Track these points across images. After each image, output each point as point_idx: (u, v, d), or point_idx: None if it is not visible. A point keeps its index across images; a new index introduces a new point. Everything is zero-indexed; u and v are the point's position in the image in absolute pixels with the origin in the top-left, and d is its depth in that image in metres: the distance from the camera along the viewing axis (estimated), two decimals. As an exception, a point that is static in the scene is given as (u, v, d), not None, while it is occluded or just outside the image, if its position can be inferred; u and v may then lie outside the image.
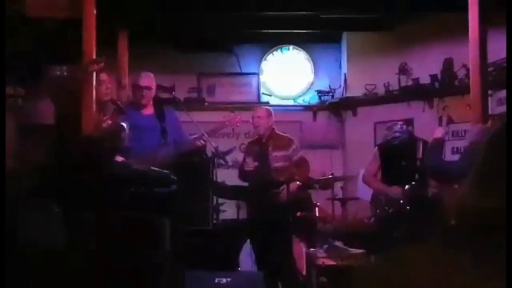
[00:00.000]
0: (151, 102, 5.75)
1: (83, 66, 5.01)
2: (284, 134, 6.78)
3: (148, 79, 5.71)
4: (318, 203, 7.11)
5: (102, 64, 5.06)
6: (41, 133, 4.89)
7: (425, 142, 6.21)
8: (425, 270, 0.96)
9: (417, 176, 5.94)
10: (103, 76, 5.38)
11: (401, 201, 5.99)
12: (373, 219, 6.44)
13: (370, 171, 6.43)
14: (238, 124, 6.22)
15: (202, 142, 5.79)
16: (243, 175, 6.65)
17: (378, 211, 6.27)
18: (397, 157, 6.15)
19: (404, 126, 6.38)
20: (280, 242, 6.41)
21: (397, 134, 6.26)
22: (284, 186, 6.42)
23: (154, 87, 5.75)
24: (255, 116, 6.60)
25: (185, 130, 6.02)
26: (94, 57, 5.11)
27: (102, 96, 5.29)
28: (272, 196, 6.42)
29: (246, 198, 6.86)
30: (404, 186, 6.01)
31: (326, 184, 7.51)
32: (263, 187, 6.46)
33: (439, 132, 5.09)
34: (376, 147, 6.63)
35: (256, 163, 6.43)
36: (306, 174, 6.72)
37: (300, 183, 6.56)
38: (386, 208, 6.13)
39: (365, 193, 6.92)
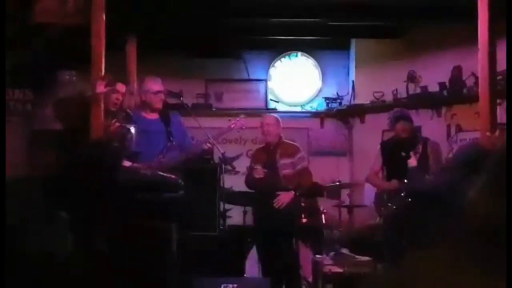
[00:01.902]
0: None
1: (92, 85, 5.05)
2: (291, 142, 6.78)
3: (159, 84, 5.84)
4: (325, 210, 7.10)
5: (110, 87, 5.13)
6: (49, 138, 4.91)
7: (425, 140, 6.30)
8: (434, 278, 0.96)
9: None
10: (122, 87, 5.48)
11: (402, 194, 6.04)
12: (378, 218, 6.47)
13: (372, 170, 6.49)
14: (243, 127, 6.21)
15: (208, 145, 5.81)
16: (251, 182, 6.63)
17: (382, 209, 6.31)
18: (397, 150, 6.21)
19: (405, 111, 6.43)
20: (287, 249, 6.41)
21: (398, 114, 6.33)
22: (281, 193, 6.44)
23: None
24: (265, 124, 6.60)
25: (191, 135, 6.05)
26: (103, 69, 5.14)
27: (113, 105, 5.35)
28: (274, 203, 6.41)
29: (253, 204, 6.85)
30: (403, 178, 6.07)
31: (334, 191, 7.52)
32: (271, 194, 6.45)
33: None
34: (379, 146, 6.67)
35: (265, 171, 6.43)
36: (308, 184, 6.71)
37: (294, 193, 6.54)
38: (389, 204, 6.16)
39: (372, 200, 6.91)
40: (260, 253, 6.61)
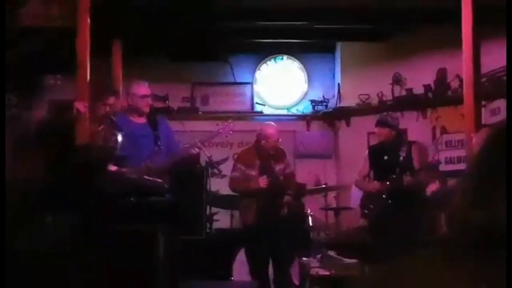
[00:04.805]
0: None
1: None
2: (280, 147, 6.73)
3: (146, 88, 5.81)
4: (311, 213, 7.11)
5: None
6: (35, 143, 4.88)
7: (410, 143, 6.38)
8: (420, 280, 0.96)
9: (398, 171, 6.10)
10: (111, 100, 5.45)
11: (384, 196, 6.11)
12: (362, 220, 6.55)
13: (361, 174, 6.56)
14: (231, 132, 6.18)
15: (196, 149, 5.79)
16: (246, 189, 6.44)
17: (365, 211, 6.38)
18: (382, 154, 6.29)
19: (385, 116, 6.48)
20: (275, 252, 6.39)
21: (377, 119, 6.41)
22: (283, 198, 6.42)
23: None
24: (275, 140, 6.46)
25: (178, 138, 6.03)
26: (88, 73, 5.12)
27: (100, 114, 5.33)
28: (274, 209, 6.36)
29: (240, 207, 6.76)
30: (386, 181, 6.14)
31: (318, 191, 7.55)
32: (274, 201, 6.38)
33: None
34: (367, 150, 6.74)
35: (268, 179, 6.33)
36: (293, 187, 6.72)
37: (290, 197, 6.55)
38: (371, 206, 6.24)
39: (358, 202, 6.94)
40: (247, 256, 6.52)
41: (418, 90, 8.20)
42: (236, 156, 6.97)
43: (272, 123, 6.79)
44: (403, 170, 6.12)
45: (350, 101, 8.95)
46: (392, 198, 6.11)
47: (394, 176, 6.15)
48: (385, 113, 6.64)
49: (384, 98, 8.60)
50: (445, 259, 0.95)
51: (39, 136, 4.92)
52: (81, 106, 5.04)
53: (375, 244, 6.00)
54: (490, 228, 0.92)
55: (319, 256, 6.34)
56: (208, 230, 6.85)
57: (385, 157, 6.29)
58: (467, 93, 5.14)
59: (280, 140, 6.55)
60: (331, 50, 9.37)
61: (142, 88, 5.77)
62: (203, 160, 6.77)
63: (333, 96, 9.24)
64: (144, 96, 5.72)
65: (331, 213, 7.74)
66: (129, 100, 5.79)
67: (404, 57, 8.41)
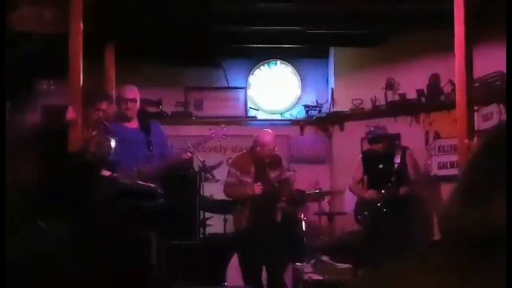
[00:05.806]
0: (136, 115, 5.75)
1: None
2: (276, 153, 6.70)
3: (133, 92, 5.73)
4: (305, 217, 7.11)
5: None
6: (27, 148, 4.87)
7: (404, 149, 6.41)
8: (413, 284, 0.96)
9: (393, 179, 6.11)
10: (104, 105, 5.43)
11: (379, 204, 6.13)
12: (356, 226, 6.57)
13: (354, 179, 6.58)
14: (223, 136, 6.17)
15: (188, 154, 5.77)
16: (241, 195, 6.41)
17: (359, 217, 6.40)
18: (376, 161, 6.31)
19: (378, 131, 6.51)
20: (268, 257, 6.39)
21: (372, 129, 6.44)
22: (278, 204, 6.41)
23: (138, 99, 5.76)
24: (271, 148, 6.41)
25: (171, 143, 6.02)
26: (81, 78, 5.11)
27: (93, 120, 5.31)
28: (268, 215, 6.35)
29: (234, 213, 6.75)
30: (381, 189, 6.15)
31: (316, 197, 7.55)
32: (268, 207, 6.38)
33: None
34: (360, 155, 6.76)
35: (263, 186, 6.31)
36: (288, 193, 6.72)
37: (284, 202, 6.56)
38: (366, 213, 6.26)
39: (352, 207, 6.95)
40: (241, 261, 6.51)
41: (411, 95, 8.21)
42: (230, 161, 6.95)
43: (269, 130, 6.73)
44: (398, 178, 6.13)
45: (343, 106, 8.97)
46: (387, 207, 6.12)
47: (390, 184, 6.15)
48: (372, 128, 6.65)
49: (377, 103, 8.61)
50: (438, 262, 0.95)
51: (32, 141, 4.91)
52: (74, 111, 5.03)
53: (368, 249, 6.01)
54: (484, 228, 0.92)
55: (312, 261, 6.35)
56: (201, 235, 6.84)
57: (380, 166, 6.30)
58: (460, 98, 5.15)
59: (276, 148, 6.52)
60: (324, 55, 9.39)
61: (129, 92, 5.70)
62: (196, 165, 6.76)
63: (327, 101, 9.25)
64: (129, 100, 5.65)
65: (325, 218, 7.75)
66: (118, 105, 5.76)
67: (397, 62, 8.42)
